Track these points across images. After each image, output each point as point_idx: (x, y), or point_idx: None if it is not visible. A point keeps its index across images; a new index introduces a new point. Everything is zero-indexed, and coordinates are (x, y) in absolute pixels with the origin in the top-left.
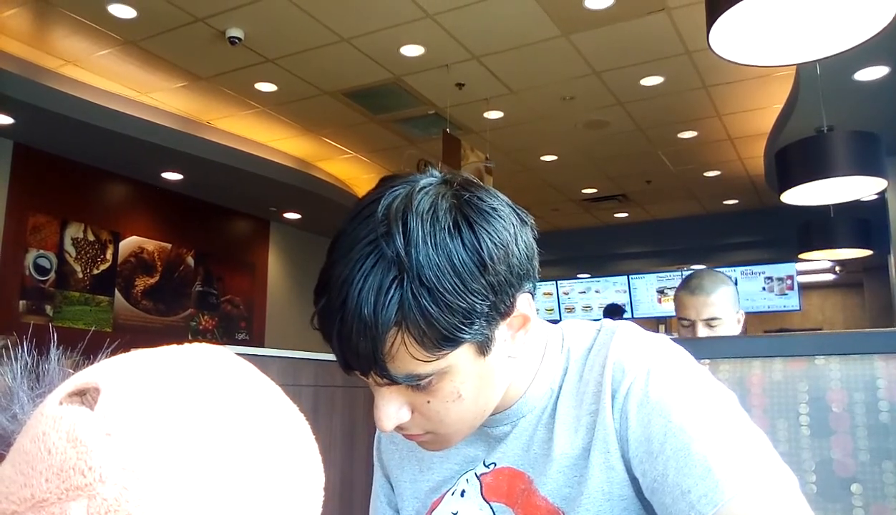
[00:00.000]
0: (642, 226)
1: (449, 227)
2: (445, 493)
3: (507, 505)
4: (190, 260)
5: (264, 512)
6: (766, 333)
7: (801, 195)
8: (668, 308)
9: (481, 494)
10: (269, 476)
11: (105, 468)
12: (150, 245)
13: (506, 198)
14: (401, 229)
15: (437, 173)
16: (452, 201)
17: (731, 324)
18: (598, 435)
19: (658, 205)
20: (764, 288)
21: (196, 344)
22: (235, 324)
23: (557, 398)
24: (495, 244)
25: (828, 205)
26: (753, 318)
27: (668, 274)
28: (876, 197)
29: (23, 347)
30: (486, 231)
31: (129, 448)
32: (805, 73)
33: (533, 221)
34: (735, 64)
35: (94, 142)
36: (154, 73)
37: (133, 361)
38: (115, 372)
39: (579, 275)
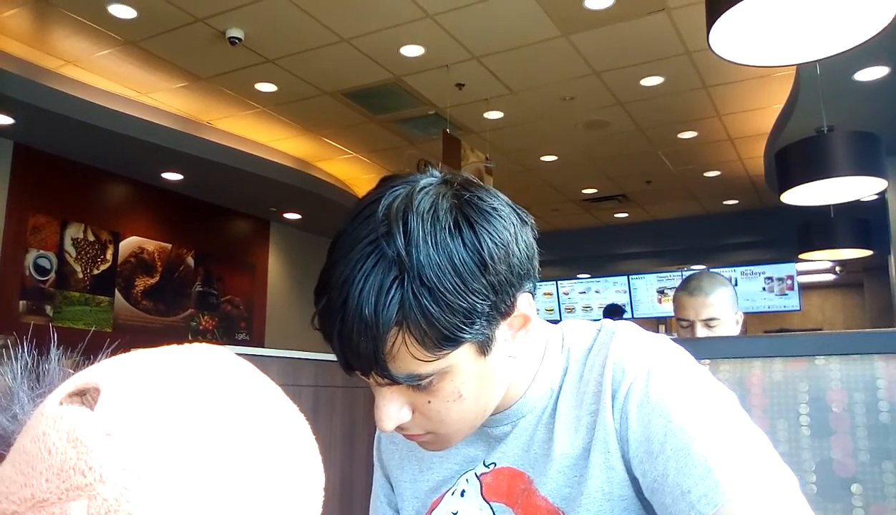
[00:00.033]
0: (642, 226)
1: (450, 227)
2: (445, 493)
3: (507, 505)
4: (190, 261)
5: (264, 512)
6: (766, 333)
7: (801, 195)
8: (668, 308)
9: (481, 494)
10: (270, 476)
11: (105, 468)
12: (150, 245)
13: (506, 198)
14: (401, 229)
15: (437, 173)
16: (453, 201)
17: (729, 325)
18: (598, 435)
19: (658, 205)
20: (764, 289)
21: (196, 345)
22: (235, 324)
23: (557, 398)
24: (496, 244)
25: (828, 206)
26: (753, 318)
27: (668, 274)
28: (876, 197)
29: (23, 347)
30: (487, 230)
31: (129, 449)
32: (805, 73)
33: (533, 221)
34: (735, 64)
35: (94, 143)
36: (154, 73)
37: (133, 361)
38: (115, 372)
39: (579, 275)
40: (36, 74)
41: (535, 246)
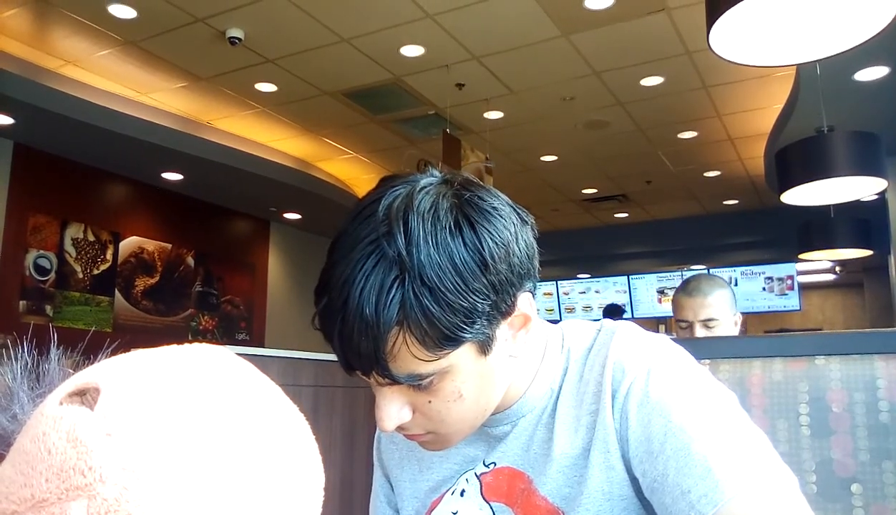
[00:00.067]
0: (642, 226)
1: (450, 227)
2: (445, 493)
3: (507, 505)
4: (190, 261)
5: (264, 512)
6: (767, 333)
7: (801, 195)
8: (668, 308)
9: (481, 494)
10: (270, 476)
11: (105, 468)
12: (150, 245)
13: (506, 198)
14: (402, 229)
15: (437, 173)
16: (453, 201)
17: (728, 326)
18: (598, 435)
19: (658, 205)
20: (764, 289)
21: (196, 344)
22: (235, 324)
23: (557, 398)
24: (496, 243)
25: (828, 206)
26: (753, 318)
27: (668, 274)
28: (876, 197)
29: (23, 347)
30: (487, 230)
31: (129, 449)
32: (805, 73)
33: (533, 221)
34: (735, 64)
35: (94, 143)
36: (154, 73)
37: (133, 361)
38: (115, 372)
39: (579, 275)
40: (36, 74)
41: (535, 245)
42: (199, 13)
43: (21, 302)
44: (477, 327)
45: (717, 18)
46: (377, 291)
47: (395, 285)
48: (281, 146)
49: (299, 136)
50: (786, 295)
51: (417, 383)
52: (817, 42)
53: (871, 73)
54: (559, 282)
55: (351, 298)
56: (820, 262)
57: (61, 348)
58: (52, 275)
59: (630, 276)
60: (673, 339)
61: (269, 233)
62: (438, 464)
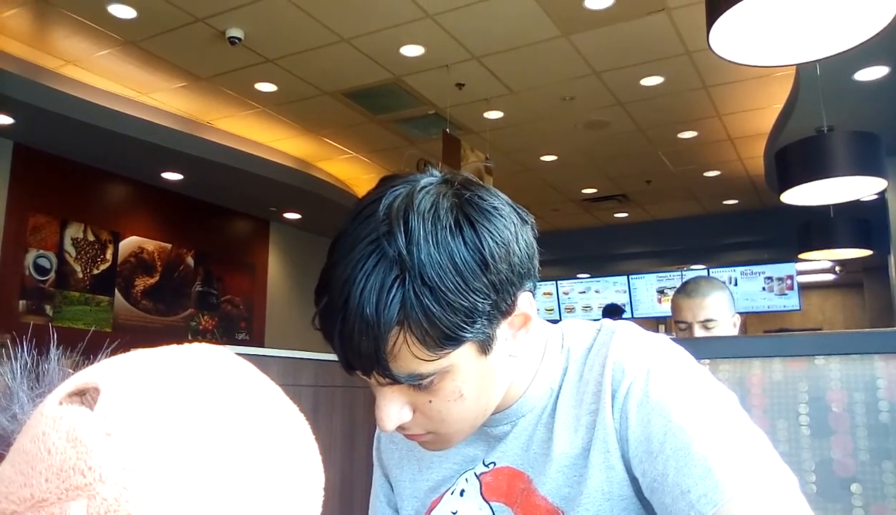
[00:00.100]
0: (642, 226)
1: (450, 226)
2: (445, 493)
3: (507, 505)
4: (190, 261)
5: (264, 512)
6: (766, 333)
7: (801, 195)
8: (667, 308)
9: (481, 493)
10: (269, 476)
11: (105, 468)
12: (150, 245)
13: (506, 198)
14: (402, 228)
15: (437, 173)
16: (454, 200)
17: (727, 327)
18: (597, 435)
19: (658, 205)
20: (764, 289)
21: (196, 344)
22: (235, 324)
23: (557, 397)
24: (496, 243)
25: (828, 205)
26: (753, 318)
27: (668, 274)
28: (876, 197)
29: (23, 347)
30: (488, 229)
31: (129, 448)
32: (805, 73)
33: (533, 220)
34: (735, 64)
35: (94, 142)
36: (154, 73)
37: (133, 361)
38: (115, 372)
39: (579, 275)
40: (36, 74)
41: (535, 245)
42: (199, 13)
43: (21, 302)
44: (477, 326)
45: (716, 18)
46: (378, 291)
47: (396, 285)
48: (281, 146)
49: (299, 136)
50: (785, 295)
51: (418, 383)
52: (817, 42)
53: (871, 73)
54: (559, 282)
55: (351, 298)
56: (820, 262)
57: (61, 348)
58: (52, 275)
59: (630, 276)
60: (673, 339)
61: (268, 233)
62: (438, 464)
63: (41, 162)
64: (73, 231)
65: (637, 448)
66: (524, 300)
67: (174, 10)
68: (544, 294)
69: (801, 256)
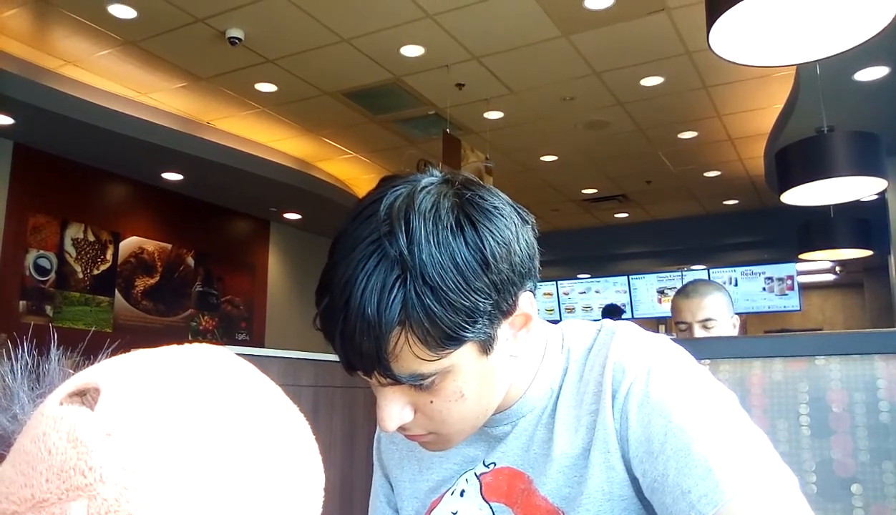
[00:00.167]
0: (642, 227)
1: (451, 226)
2: (445, 493)
3: (507, 505)
4: (190, 261)
5: (264, 513)
6: (767, 333)
7: (801, 195)
8: (668, 308)
9: (481, 494)
10: (269, 476)
11: (105, 468)
12: (150, 245)
13: (507, 197)
14: (403, 228)
15: (437, 173)
16: (454, 200)
17: (726, 328)
18: (598, 435)
19: (658, 205)
20: (764, 289)
21: (196, 345)
22: (235, 324)
23: (557, 398)
24: (497, 242)
25: (828, 206)
26: (753, 318)
27: (668, 274)
28: (876, 197)
29: (23, 347)
30: (489, 229)
31: (130, 449)
32: (805, 73)
33: (534, 220)
34: (735, 64)
35: (94, 143)
36: (154, 73)
37: (133, 361)
38: (115, 372)
39: (579, 276)
40: (36, 74)
41: (535, 245)
42: (199, 13)
43: (21, 302)
44: (479, 326)
45: (716, 18)
46: (379, 291)
47: (397, 285)
48: (281, 146)
49: (299, 136)
50: (786, 295)
51: (419, 383)
52: (817, 42)
53: (871, 73)
54: (559, 282)
55: (353, 298)
56: (820, 262)
57: (61, 348)
58: (52, 275)
59: (630, 276)
60: (673, 339)
61: (269, 233)
62: (438, 464)
63: (41, 162)
64: (74, 231)
65: (637, 449)
66: (525, 300)
67: (174, 10)
68: (544, 294)
69: (801, 256)
